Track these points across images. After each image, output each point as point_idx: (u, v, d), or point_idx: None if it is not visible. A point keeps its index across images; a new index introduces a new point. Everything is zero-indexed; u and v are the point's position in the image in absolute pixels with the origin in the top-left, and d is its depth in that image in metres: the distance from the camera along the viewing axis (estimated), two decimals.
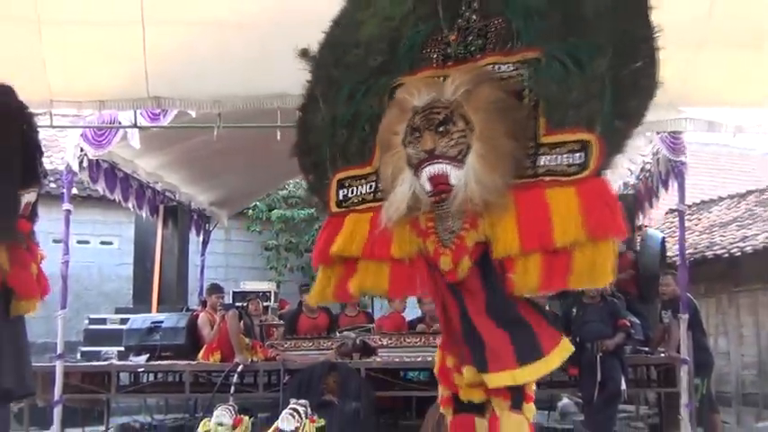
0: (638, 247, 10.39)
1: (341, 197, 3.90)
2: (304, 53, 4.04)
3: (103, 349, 9.47)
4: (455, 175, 3.40)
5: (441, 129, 3.43)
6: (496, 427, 3.52)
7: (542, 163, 3.38)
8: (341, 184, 3.91)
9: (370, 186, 3.84)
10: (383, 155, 3.67)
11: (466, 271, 3.48)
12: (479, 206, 3.38)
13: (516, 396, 3.55)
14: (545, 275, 3.33)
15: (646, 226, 10.91)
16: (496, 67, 3.55)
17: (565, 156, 3.34)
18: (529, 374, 3.45)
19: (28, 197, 3.98)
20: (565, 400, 10.67)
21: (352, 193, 3.88)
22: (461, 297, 3.54)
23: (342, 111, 3.93)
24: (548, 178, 3.36)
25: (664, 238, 10.26)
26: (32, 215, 4.12)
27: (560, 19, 3.44)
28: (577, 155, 3.32)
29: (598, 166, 3.29)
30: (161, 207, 10.87)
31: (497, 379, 3.42)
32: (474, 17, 3.73)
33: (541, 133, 3.40)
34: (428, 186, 3.45)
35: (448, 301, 3.60)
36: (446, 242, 3.52)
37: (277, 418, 7.66)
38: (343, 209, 3.88)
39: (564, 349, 3.55)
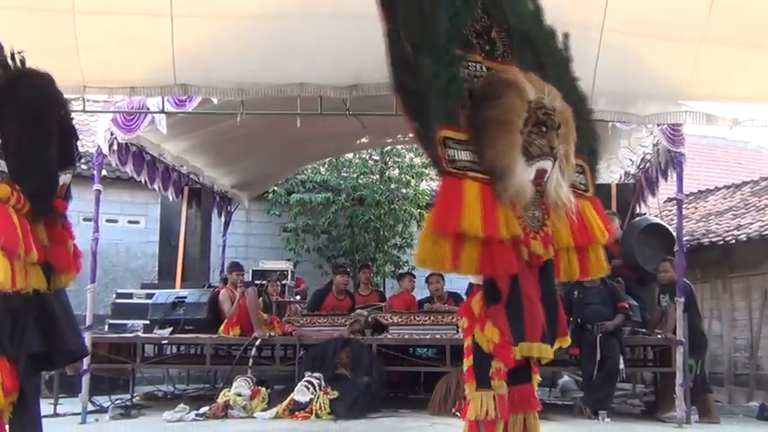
0: None
1: (448, 157, 3.39)
2: None
3: (130, 322, 9.51)
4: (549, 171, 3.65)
5: (558, 131, 3.68)
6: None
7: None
8: (446, 143, 3.40)
9: (469, 155, 3.46)
10: (500, 134, 3.48)
11: (551, 255, 3.77)
12: (553, 201, 3.70)
13: None
14: (582, 267, 3.95)
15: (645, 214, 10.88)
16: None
17: (575, 175, 3.92)
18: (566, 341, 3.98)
19: (64, 178, 4.02)
20: (565, 378, 10.67)
21: (458, 156, 3.42)
22: (539, 278, 3.74)
23: (444, 66, 3.46)
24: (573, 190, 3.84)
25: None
26: (67, 195, 4.17)
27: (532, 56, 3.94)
28: (581, 176, 4.02)
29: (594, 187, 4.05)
30: (185, 189, 10.89)
31: (563, 341, 3.94)
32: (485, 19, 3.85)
33: None
34: (533, 177, 3.60)
35: (529, 282, 3.66)
36: (534, 228, 3.67)
37: (293, 390, 7.75)
38: (456, 171, 3.39)
39: None
